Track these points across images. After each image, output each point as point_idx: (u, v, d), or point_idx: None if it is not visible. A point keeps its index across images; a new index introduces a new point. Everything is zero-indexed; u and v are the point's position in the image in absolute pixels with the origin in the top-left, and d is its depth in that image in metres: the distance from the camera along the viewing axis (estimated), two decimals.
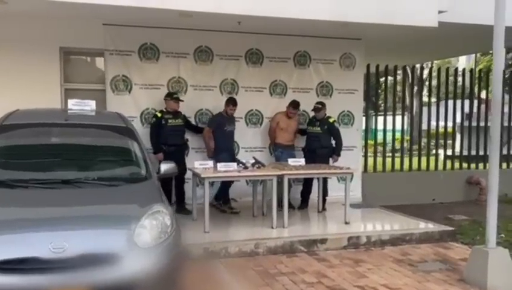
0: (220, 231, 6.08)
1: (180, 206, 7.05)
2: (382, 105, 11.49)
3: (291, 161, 7.00)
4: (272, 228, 6.19)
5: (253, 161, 6.69)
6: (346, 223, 6.53)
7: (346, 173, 6.59)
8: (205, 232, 5.91)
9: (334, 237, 5.94)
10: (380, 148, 9.67)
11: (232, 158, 7.17)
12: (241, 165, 6.56)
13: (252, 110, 7.83)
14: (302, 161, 7.08)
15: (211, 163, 6.69)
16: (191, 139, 7.37)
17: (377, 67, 9.10)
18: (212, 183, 6.96)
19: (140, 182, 4.06)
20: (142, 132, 7.15)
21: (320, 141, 7.50)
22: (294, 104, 7.46)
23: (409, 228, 6.52)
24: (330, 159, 7.60)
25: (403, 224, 6.78)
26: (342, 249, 5.81)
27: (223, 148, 7.15)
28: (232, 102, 7.18)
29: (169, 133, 6.97)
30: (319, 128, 7.51)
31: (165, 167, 4.46)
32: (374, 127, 9.87)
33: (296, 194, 7.73)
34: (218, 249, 5.40)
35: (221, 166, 6.27)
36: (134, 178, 4.13)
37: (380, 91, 10.15)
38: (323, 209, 7.51)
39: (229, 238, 5.75)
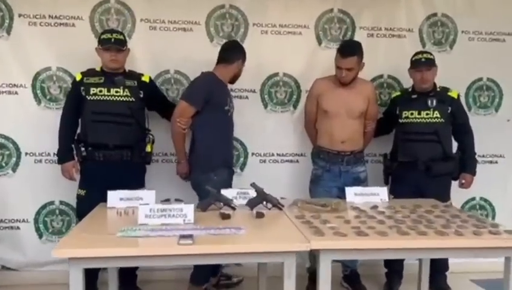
0: None
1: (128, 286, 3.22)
2: None
3: (352, 194, 2.86)
4: None
5: (247, 195, 2.67)
6: None
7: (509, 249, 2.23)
8: None
9: None
10: None
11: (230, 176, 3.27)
12: (217, 203, 2.57)
13: (276, 74, 3.69)
14: (381, 195, 2.91)
15: (149, 196, 2.73)
16: (158, 132, 3.36)
17: None
18: None
19: None
20: (39, 116, 3.42)
21: (440, 140, 3.24)
22: (346, 49, 3.18)
23: None
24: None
25: None
26: None
27: (224, 154, 3.21)
28: (244, 53, 3.27)
29: (92, 119, 3.10)
30: (437, 113, 3.24)
31: None
32: None
33: None
34: None
35: (146, 212, 2.28)
36: None
37: None
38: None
39: None
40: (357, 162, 3.30)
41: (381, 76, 3.74)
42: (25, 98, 3.44)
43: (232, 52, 3.22)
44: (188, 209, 2.35)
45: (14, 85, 3.43)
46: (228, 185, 3.05)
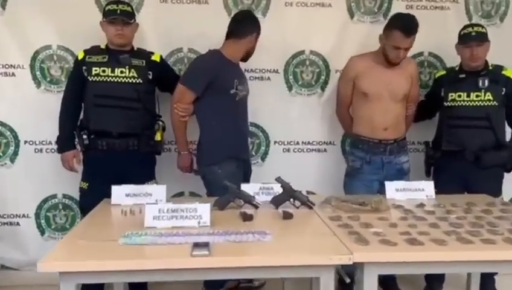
0: None
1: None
2: None
3: (392, 189, 2.47)
4: None
5: (271, 191, 2.36)
6: None
7: None
8: None
9: None
10: None
11: (246, 171, 2.90)
12: (237, 200, 2.22)
13: (302, 52, 3.27)
14: (427, 190, 2.52)
15: (159, 192, 2.38)
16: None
17: None
18: None
19: None
20: (39, 100, 3.09)
21: (492, 125, 2.82)
22: (410, 27, 2.70)
23: None
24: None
25: None
26: None
27: (230, 144, 2.76)
28: (258, 25, 2.83)
29: (94, 103, 2.73)
30: (489, 95, 2.81)
31: None
32: None
33: None
34: None
35: (154, 213, 1.93)
36: None
37: None
38: None
39: None
40: (400, 151, 2.90)
41: (421, 54, 3.30)
42: (23, 80, 3.09)
43: (243, 25, 2.79)
44: (204, 210, 2.00)
45: (11, 66, 3.08)
46: (237, 178, 2.62)
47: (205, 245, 1.69)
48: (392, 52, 2.74)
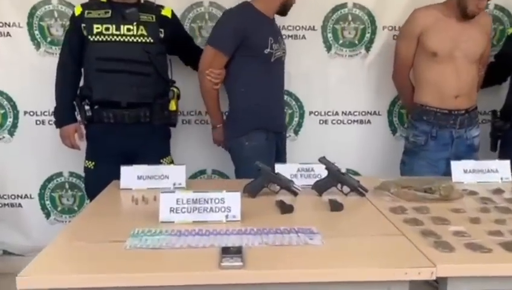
0: None
1: None
2: None
3: (460, 171, 2.02)
4: None
5: (311, 173, 1.96)
6: None
7: None
8: None
9: None
10: None
11: (279, 145, 2.49)
12: (272, 185, 1.83)
13: (343, 5, 2.75)
14: (501, 172, 2.05)
15: (177, 173, 1.99)
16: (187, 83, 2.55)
17: None
18: None
19: None
20: (39, 64, 2.68)
21: None
22: None
23: None
24: None
25: None
26: None
27: (260, 112, 2.35)
28: None
29: (97, 68, 2.30)
30: None
31: None
32: None
33: None
34: None
35: (172, 204, 1.54)
36: None
37: None
38: None
39: None
40: (471, 123, 2.44)
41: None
42: (20, 41, 2.68)
43: None
44: (233, 200, 1.58)
45: (5, 24, 2.67)
46: (266, 153, 2.29)
47: (237, 251, 1.28)
48: (472, 1, 2.24)
